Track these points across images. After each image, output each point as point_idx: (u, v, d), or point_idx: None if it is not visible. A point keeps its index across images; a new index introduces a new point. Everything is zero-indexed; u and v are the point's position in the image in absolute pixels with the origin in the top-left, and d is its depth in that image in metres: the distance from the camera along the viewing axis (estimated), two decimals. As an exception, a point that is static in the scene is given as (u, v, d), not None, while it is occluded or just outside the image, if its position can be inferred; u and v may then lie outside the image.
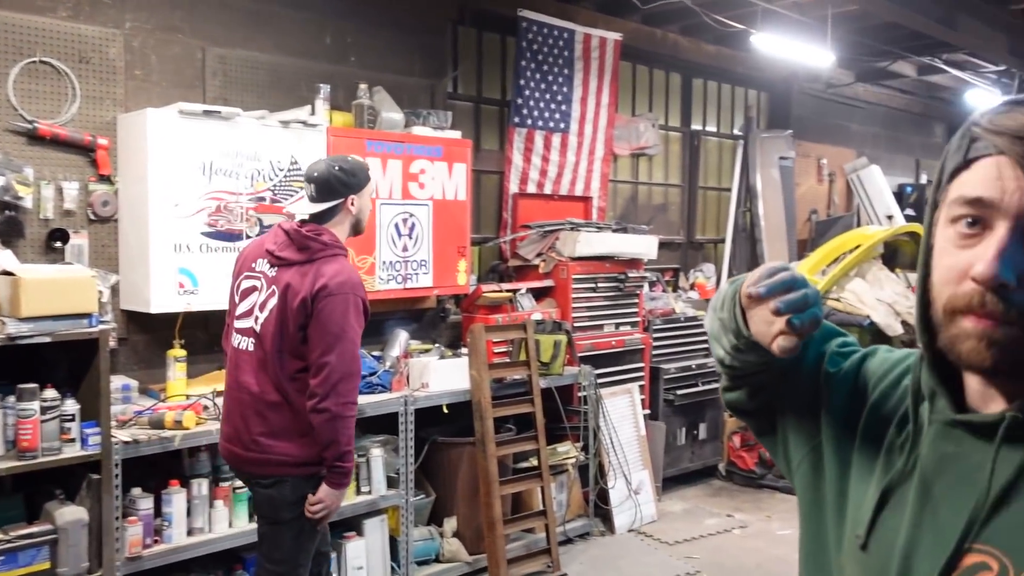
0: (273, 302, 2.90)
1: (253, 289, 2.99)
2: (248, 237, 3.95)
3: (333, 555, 3.98)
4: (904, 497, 0.93)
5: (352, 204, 3.01)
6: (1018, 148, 0.82)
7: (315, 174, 2.98)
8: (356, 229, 3.10)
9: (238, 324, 3.03)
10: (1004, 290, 0.81)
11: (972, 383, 0.91)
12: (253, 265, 3.03)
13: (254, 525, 3.69)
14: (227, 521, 3.67)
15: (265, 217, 4.02)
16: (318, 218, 2.99)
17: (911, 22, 6.26)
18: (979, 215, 0.84)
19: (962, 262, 0.85)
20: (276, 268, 2.94)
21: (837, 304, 6.77)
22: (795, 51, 6.14)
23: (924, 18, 6.25)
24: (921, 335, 0.93)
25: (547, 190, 5.96)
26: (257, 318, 2.94)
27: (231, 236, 3.90)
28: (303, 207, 3.05)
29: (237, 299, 3.06)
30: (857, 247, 6.97)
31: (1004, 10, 6.89)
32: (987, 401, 0.90)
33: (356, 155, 3.49)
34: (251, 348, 2.95)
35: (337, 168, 2.98)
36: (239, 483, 3.70)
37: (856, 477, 1.02)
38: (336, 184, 2.97)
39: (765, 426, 1.15)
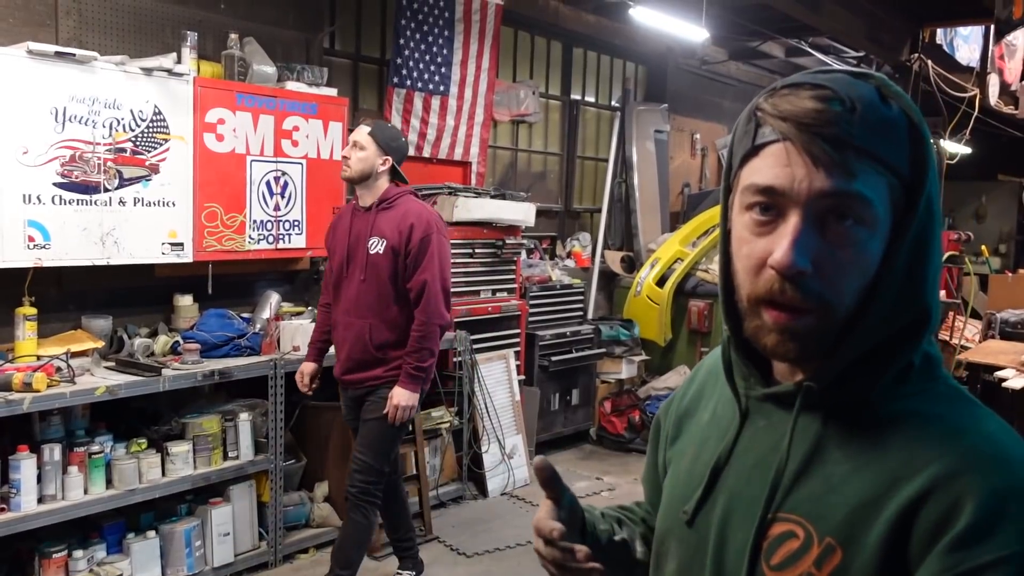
0: None
1: None
2: (107, 189, 3.73)
3: (196, 523, 3.87)
4: (728, 472, 0.96)
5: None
6: (804, 136, 0.82)
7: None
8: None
9: None
10: (801, 277, 0.83)
11: (777, 362, 0.95)
12: None
13: (112, 492, 3.55)
14: (82, 488, 3.48)
15: (125, 169, 3.80)
16: None
17: (780, 4, 6.50)
18: (771, 203, 0.85)
19: (759, 250, 0.86)
20: None
21: (706, 275, 7.03)
22: (671, 26, 6.26)
23: (791, 1, 6.50)
24: (727, 319, 0.95)
25: (426, 153, 5.89)
26: None
27: (87, 188, 3.67)
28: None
29: None
30: (725, 220, 7.23)
31: (865, -3, 7.25)
32: (794, 374, 0.93)
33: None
34: None
35: None
36: (95, 448, 3.53)
37: (676, 462, 1.07)
38: None
39: None
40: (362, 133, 3.53)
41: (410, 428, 4.69)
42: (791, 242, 0.83)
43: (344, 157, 3.58)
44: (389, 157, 3.55)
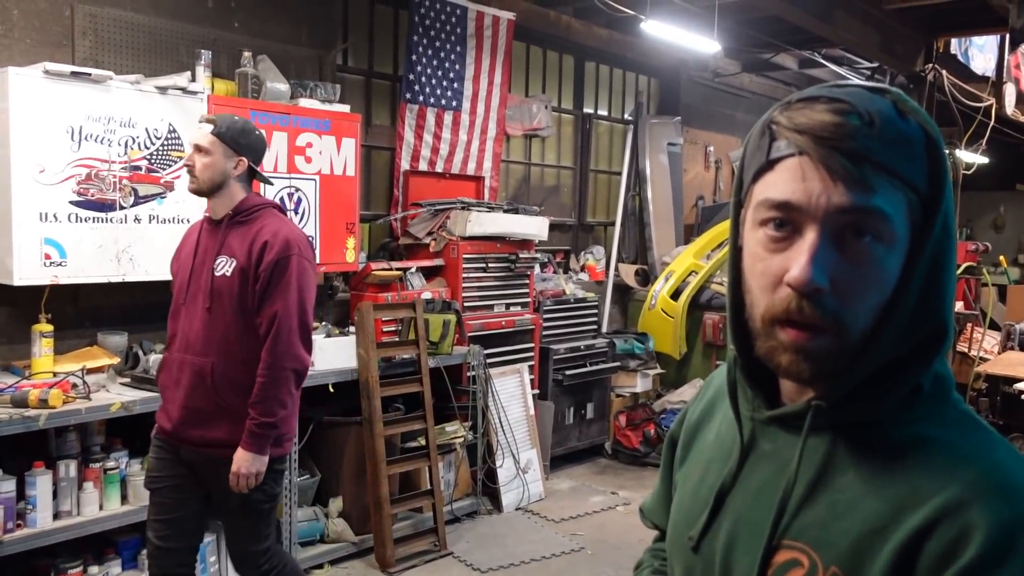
0: None
1: None
2: (122, 207, 3.76)
3: (211, 539, 3.87)
4: (734, 496, 0.94)
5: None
6: (821, 149, 0.81)
7: None
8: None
9: None
10: (818, 295, 0.81)
11: (786, 383, 0.93)
12: None
13: (127, 507, 3.56)
14: (97, 504, 3.50)
15: (140, 187, 3.83)
16: None
17: (792, 16, 6.49)
18: (787, 218, 0.83)
19: (774, 267, 0.84)
20: None
21: (720, 288, 7.00)
22: (683, 39, 6.27)
23: (804, 13, 6.49)
24: (734, 339, 0.93)
25: (439, 168, 5.91)
26: None
27: (103, 206, 3.70)
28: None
29: None
30: (739, 232, 7.21)
31: (878, 8, 7.23)
32: (801, 395, 0.91)
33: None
34: None
35: None
36: (110, 464, 3.55)
37: (683, 484, 1.06)
38: None
39: None
40: (204, 134, 2.91)
41: (424, 443, 4.70)
42: (809, 259, 0.80)
43: (186, 165, 2.93)
44: (243, 158, 2.92)
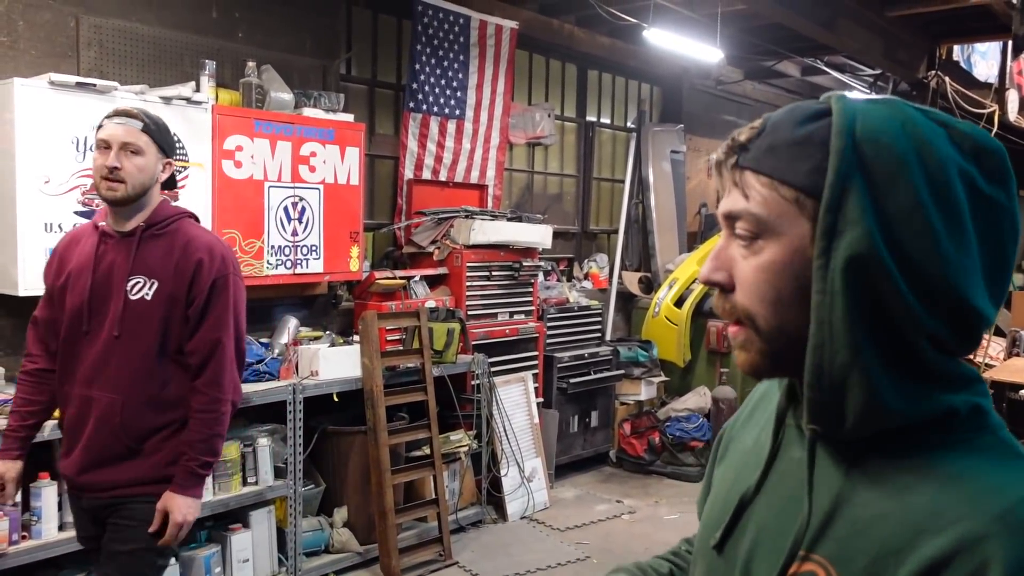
0: None
1: None
2: (126, 217, 3.76)
3: (215, 549, 3.86)
4: (759, 503, 0.94)
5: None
6: (718, 167, 0.91)
7: None
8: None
9: None
10: (719, 287, 0.90)
11: None
12: None
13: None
14: (101, 515, 3.49)
15: (145, 197, 3.83)
16: None
17: (795, 24, 6.50)
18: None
19: None
20: None
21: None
22: (686, 47, 6.27)
23: (807, 21, 6.50)
24: None
25: (442, 177, 5.92)
26: None
27: (107, 216, 3.70)
28: None
29: None
30: (743, 239, 7.21)
31: (881, 16, 7.24)
32: None
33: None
34: None
35: None
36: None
37: (718, 484, 1.06)
38: None
39: None
40: (132, 131, 2.42)
41: (428, 452, 4.69)
42: (710, 257, 0.91)
43: (112, 169, 2.39)
44: (170, 160, 2.53)
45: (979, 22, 7.52)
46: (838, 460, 0.86)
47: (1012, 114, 9.40)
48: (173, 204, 2.59)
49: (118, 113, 2.46)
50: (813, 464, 0.87)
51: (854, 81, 8.93)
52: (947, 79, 8.17)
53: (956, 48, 8.70)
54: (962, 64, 8.90)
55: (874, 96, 0.94)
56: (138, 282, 2.44)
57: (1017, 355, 6.67)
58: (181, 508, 2.42)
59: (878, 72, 8.54)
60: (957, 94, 8.32)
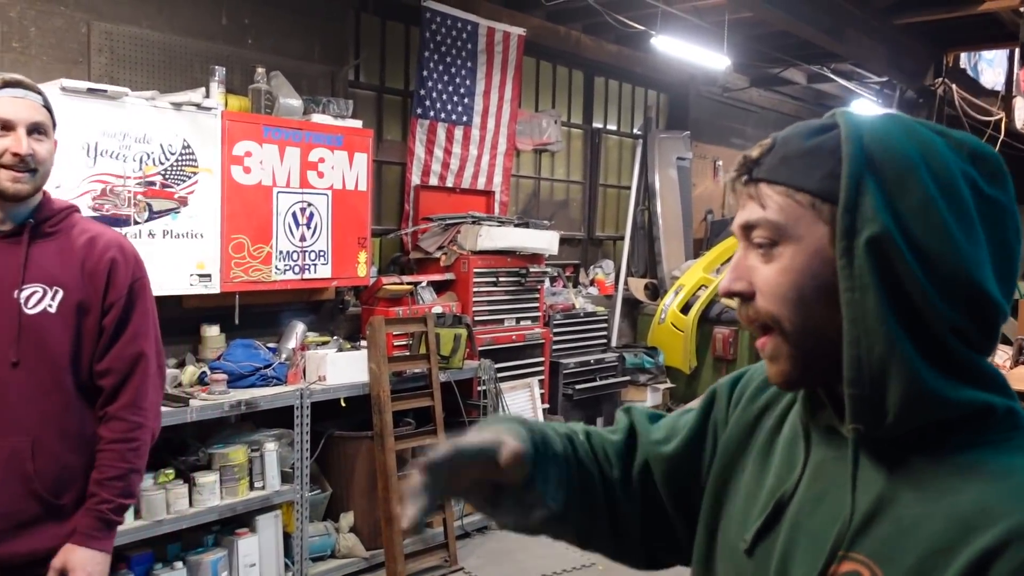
0: None
1: None
2: (137, 222, 3.79)
3: (222, 554, 3.87)
4: (792, 504, 0.93)
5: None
6: (733, 182, 0.94)
7: None
8: None
9: None
10: (740, 297, 0.92)
11: None
12: None
13: (140, 522, 3.57)
14: (109, 519, 3.49)
15: (155, 202, 3.86)
16: None
17: (802, 32, 6.51)
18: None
19: None
20: None
21: (731, 302, 6.97)
22: (693, 54, 6.29)
23: (814, 28, 6.51)
24: None
25: (449, 183, 5.93)
26: None
27: (118, 221, 3.72)
28: None
29: None
30: (749, 246, 7.21)
31: (887, 24, 7.24)
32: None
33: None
34: None
35: None
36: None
37: (734, 486, 1.04)
38: None
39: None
40: (37, 107, 1.98)
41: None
42: (729, 268, 0.93)
43: (22, 156, 1.91)
44: (55, 141, 2.09)
45: (986, 30, 7.52)
46: (879, 462, 0.87)
47: (1019, 122, 9.39)
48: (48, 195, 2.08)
49: (9, 83, 1.95)
50: (857, 463, 0.87)
51: (861, 89, 8.93)
52: (954, 87, 8.17)
53: (963, 56, 8.70)
54: (969, 72, 8.90)
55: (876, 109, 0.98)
56: (35, 292, 1.93)
57: (1022, 364, 6.66)
58: (86, 567, 1.89)
59: (884, 80, 8.55)
60: (964, 102, 8.32)
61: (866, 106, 9.06)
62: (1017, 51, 8.51)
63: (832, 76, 8.36)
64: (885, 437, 0.85)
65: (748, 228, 0.92)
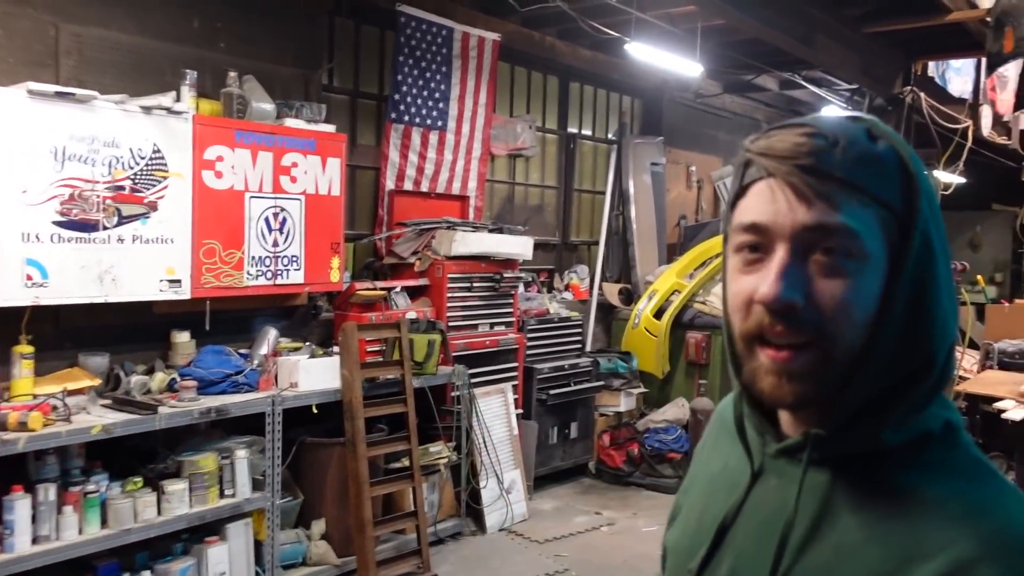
0: None
1: None
2: (106, 227, 3.74)
3: (191, 563, 3.83)
4: (736, 530, 0.93)
5: None
6: (784, 167, 0.82)
7: None
8: None
9: None
10: (792, 311, 0.81)
11: (784, 415, 0.91)
12: None
13: (107, 531, 3.52)
14: (77, 528, 3.45)
15: (124, 207, 3.81)
16: None
17: (774, 39, 6.56)
18: (759, 240, 0.84)
19: (747, 288, 0.84)
20: None
21: (703, 307, 7.03)
22: (666, 61, 6.32)
23: (785, 36, 6.56)
24: (734, 370, 0.92)
25: (424, 188, 5.92)
26: None
27: (86, 226, 3.68)
28: None
29: None
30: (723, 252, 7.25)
31: (858, 33, 7.32)
32: (798, 428, 0.90)
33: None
34: None
35: None
36: (90, 487, 3.50)
37: (686, 512, 1.05)
38: None
39: None
40: None
41: (407, 464, 4.67)
42: (777, 275, 0.81)
43: None
44: None
45: (954, 39, 7.62)
46: (820, 485, 0.85)
47: (985, 129, 9.53)
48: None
49: None
50: (801, 492, 0.86)
51: (831, 96, 9.02)
52: (922, 95, 8.27)
53: (931, 64, 8.82)
54: (937, 80, 9.03)
55: (852, 112, 0.93)
56: None
57: (990, 367, 6.75)
58: None
59: (855, 87, 8.64)
60: (932, 109, 8.42)
61: (836, 113, 9.13)
62: (984, 60, 8.64)
63: (804, 83, 8.45)
64: (838, 449, 0.85)
65: (813, 231, 0.81)
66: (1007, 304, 10.31)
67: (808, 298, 0.81)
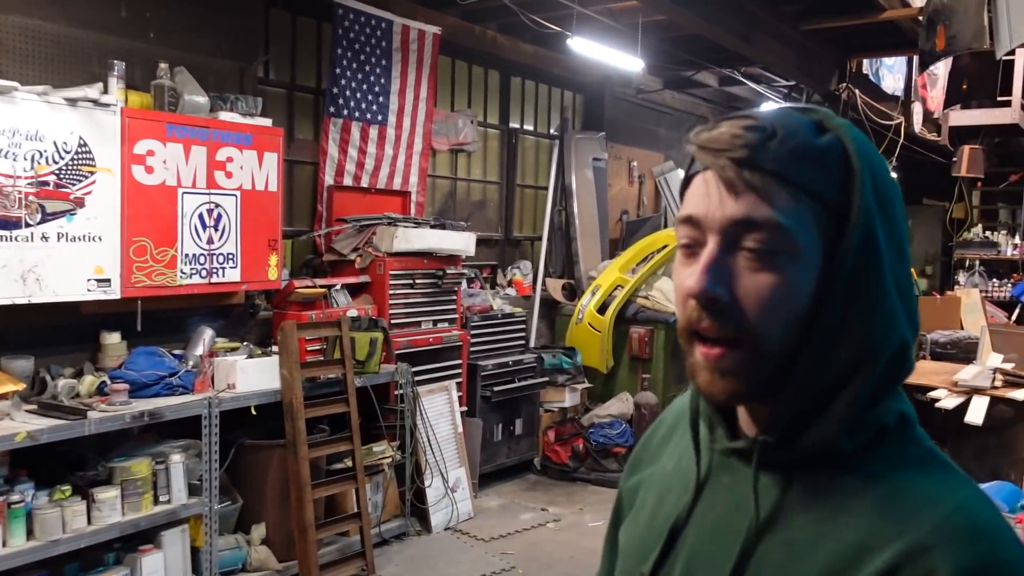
0: None
1: None
2: (28, 224, 3.57)
3: (124, 573, 3.70)
4: (689, 531, 0.91)
5: None
6: (720, 160, 0.80)
7: None
8: None
9: None
10: (716, 304, 0.80)
11: (742, 411, 0.90)
12: None
13: (33, 543, 3.37)
14: (0, 540, 3.29)
15: (48, 203, 3.65)
16: None
17: (713, 35, 6.61)
18: (694, 234, 0.83)
19: (682, 281, 0.84)
20: None
21: (646, 302, 7.06)
22: (608, 56, 6.32)
23: (725, 32, 6.62)
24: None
25: (364, 183, 5.82)
26: None
27: (7, 223, 3.51)
28: None
29: None
30: (665, 247, 7.31)
31: (795, 30, 7.43)
32: (751, 425, 0.88)
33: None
34: None
35: None
36: (15, 497, 3.35)
37: (637, 512, 1.02)
38: None
39: None
40: None
41: (350, 465, 4.59)
42: (703, 268, 0.80)
43: None
44: None
45: (887, 38, 7.80)
46: (772, 484, 0.84)
47: (917, 126, 9.79)
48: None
49: None
50: (757, 489, 0.84)
51: (769, 92, 9.16)
52: (857, 91, 8.44)
53: (865, 62, 9.00)
54: (871, 77, 9.22)
55: (803, 104, 0.91)
56: None
57: (923, 358, 6.93)
58: None
59: (792, 84, 8.78)
60: (866, 106, 8.60)
61: (774, 108, 9.26)
62: (916, 58, 8.87)
63: (743, 79, 8.55)
64: (788, 456, 0.83)
65: (742, 225, 0.80)
66: (938, 296, 10.62)
67: (733, 292, 0.80)
